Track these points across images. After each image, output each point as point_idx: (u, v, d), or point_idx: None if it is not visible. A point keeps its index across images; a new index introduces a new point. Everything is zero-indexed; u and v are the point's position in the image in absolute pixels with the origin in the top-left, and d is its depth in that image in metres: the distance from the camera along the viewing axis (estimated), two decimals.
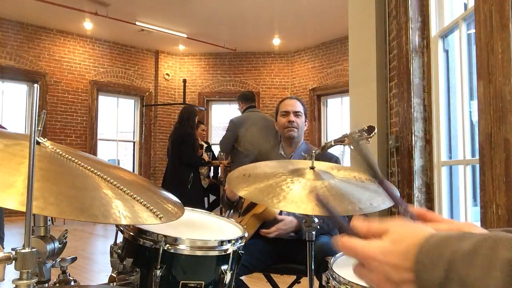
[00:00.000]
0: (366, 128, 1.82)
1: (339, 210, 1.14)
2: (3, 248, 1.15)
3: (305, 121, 2.22)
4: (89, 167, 0.90)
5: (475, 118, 2.18)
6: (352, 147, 0.76)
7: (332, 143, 1.92)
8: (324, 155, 1.79)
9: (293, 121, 2.15)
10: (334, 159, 2.03)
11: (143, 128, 8.96)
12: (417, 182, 2.80)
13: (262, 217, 1.93)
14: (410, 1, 2.88)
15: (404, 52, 2.95)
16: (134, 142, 9.18)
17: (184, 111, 5.03)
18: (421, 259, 0.47)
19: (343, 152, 7.92)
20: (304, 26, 7.54)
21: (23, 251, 0.66)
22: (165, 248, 1.06)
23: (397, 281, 0.49)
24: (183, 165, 4.78)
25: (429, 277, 0.46)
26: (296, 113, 2.18)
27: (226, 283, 1.14)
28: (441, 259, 0.45)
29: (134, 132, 9.15)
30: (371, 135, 1.80)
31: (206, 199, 5.61)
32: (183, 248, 1.08)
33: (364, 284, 0.99)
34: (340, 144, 1.89)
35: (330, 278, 1.10)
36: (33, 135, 0.66)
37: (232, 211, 2.12)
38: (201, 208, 1.58)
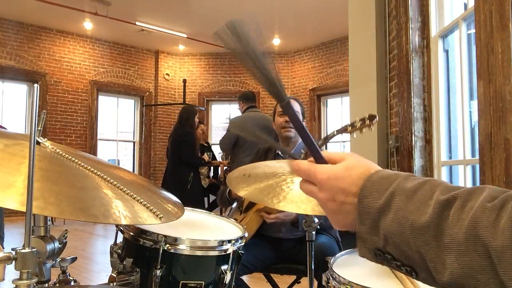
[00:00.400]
0: (368, 116, 1.83)
1: None
2: (3, 248, 1.15)
3: (303, 121, 2.22)
4: (89, 167, 0.90)
5: (475, 118, 2.18)
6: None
7: (335, 133, 1.93)
8: None
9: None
10: None
11: (143, 128, 8.96)
12: None
13: (266, 211, 1.94)
14: (410, 1, 2.88)
15: (404, 52, 2.95)
16: (134, 142, 9.18)
17: (184, 111, 5.03)
18: (368, 187, 0.53)
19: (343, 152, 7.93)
20: (304, 26, 7.53)
21: (23, 251, 0.66)
22: (165, 248, 1.06)
23: (340, 202, 0.55)
24: (183, 165, 4.77)
25: (370, 203, 0.52)
26: None
27: (226, 283, 1.14)
28: (386, 190, 0.51)
29: (134, 132, 9.15)
30: (374, 122, 1.82)
31: (206, 199, 5.60)
32: (183, 248, 1.08)
33: (363, 283, 0.99)
34: (342, 133, 1.91)
35: (330, 278, 1.10)
36: (33, 135, 0.66)
37: (232, 208, 2.13)
38: (201, 208, 1.58)
